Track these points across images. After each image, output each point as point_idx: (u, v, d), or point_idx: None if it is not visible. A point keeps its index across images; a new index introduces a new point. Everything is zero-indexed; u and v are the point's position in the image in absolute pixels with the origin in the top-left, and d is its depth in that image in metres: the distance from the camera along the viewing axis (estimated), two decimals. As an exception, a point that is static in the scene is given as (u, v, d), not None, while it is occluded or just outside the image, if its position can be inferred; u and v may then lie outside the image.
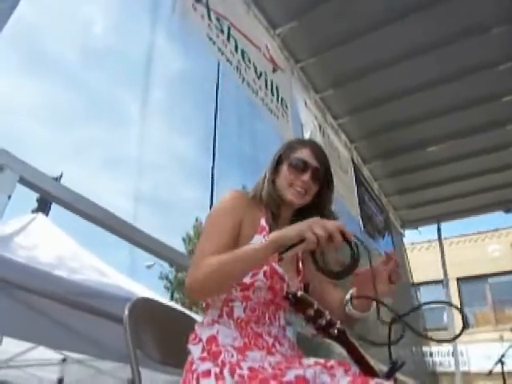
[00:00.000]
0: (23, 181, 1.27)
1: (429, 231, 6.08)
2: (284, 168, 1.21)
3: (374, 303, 1.07)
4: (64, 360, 3.92)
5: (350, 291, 1.13)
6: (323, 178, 1.20)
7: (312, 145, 1.26)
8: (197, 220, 13.70)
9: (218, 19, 2.54)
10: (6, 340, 3.40)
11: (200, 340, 1.02)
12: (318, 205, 1.22)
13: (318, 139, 3.48)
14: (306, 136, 3.35)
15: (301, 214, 1.23)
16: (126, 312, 1.08)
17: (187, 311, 2.22)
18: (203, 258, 1.00)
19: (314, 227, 0.91)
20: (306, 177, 1.17)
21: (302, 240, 0.91)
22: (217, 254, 0.99)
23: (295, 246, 0.91)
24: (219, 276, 0.97)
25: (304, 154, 1.21)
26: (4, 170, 1.21)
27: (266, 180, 1.22)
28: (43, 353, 3.58)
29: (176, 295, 12.77)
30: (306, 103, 3.51)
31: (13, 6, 1.29)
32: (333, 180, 1.24)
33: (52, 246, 2.81)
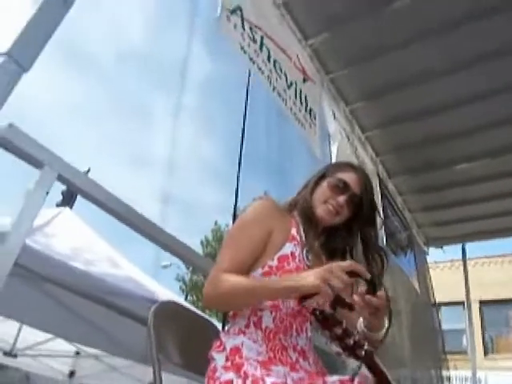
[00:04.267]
0: (61, 178, 1.31)
1: (452, 250, 5.92)
2: (324, 183, 1.21)
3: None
4: (78, 353, 3.98)
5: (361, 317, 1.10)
6: (360, 206, 1.18)
7: (360, 171, 1.25)
8: (216, 223, 13.78)
9: (251, 29, 2.56)
10: (25, 330, 3.48)
11: (224, 348, 1.02)
12: (348, 232, 1.21)
13: (347, 151, 3.45)
14: (334, 148, 3.32)
15: (329, 233, 1.23)
16: (151, 315, 1.09)
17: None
18: (222, 271, 1.03)
19: (329, 280, 0.92)
20: (342, 199, 1.16)
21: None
22: (234, 269, 1.03)
23: (312, 297, 0.94)
24: (230, 301, 1.04)
25: (348, 176, 1.20)
26: (44, 166, 1.24)
27: (306, 190, 1.23)
28: (59, 344, 3.65)
29: (190, 297, 12.85)
30: (334, 115, 3.49)
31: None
32: (375, 216, 1.22)
33: (73, 237, 2.86)
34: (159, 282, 3.29)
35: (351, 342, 0.91)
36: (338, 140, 3.44)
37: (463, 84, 3.41)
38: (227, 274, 1.02)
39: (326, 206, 1.17)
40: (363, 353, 0.92)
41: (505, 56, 3.13)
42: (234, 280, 1.01)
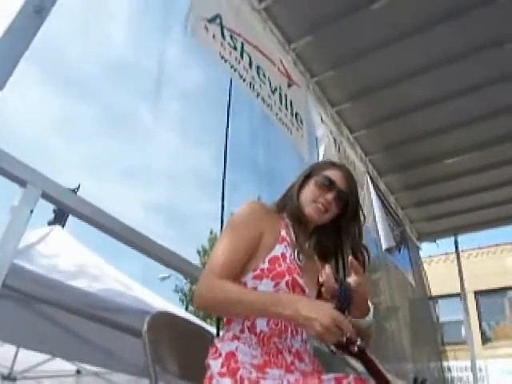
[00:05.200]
0: (45, 196, 1.29)
1: (446, 244, 5.99)
2: (311, 183, 1.22)
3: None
4: (79, 372, 3.93)
5: None
6: (347, 203, 1.20)
7: (344, 169, 1.27)
8: (211, 232, 13.71)
9: (231, 36, 2.55)
10: (22, 352, 3.43)
11: (220, 355, 1.02)
12: (337, 230, 1.22)
13: (333, 153, 3.48)
14: (321, 150, 3.34)
15: (319, 233, 1.25)
16: (145, 326, 1.08)
17: (205, 325, 2.22)
18: (214, 275, 1.03)
19: (323, 335, 0.90)
20: (330, 196, 1.18)
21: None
22: (226, 272, 1.03)
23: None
24: (222, 308, 1.04)
25: (334, 174, 1.22)
26: (27, 185, 1.24)
27: (292, 191, 1.24)
28: (59, 364, 3.60)
29: (191, 308, 12.74)
30: (321, 118, 3.51)
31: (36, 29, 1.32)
32: (359, 212, 1.24)
33: (71, 255, 2.84)
34: (158, 295, 3.27)
35: (343, 339, 0.92)
36: (325, 142, 3.46)
37: (446, 80, 3.46)
38: (220, 281, 1.02)
39: (315, 204, 1.18)
40: (356, 349, 0.93)
41: (486, 51, 3.18)
42: (226, 289, 1.01)
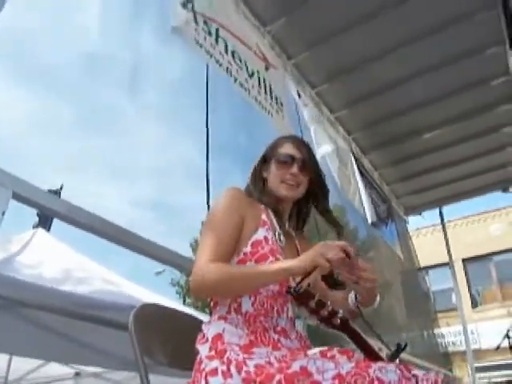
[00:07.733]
0: (17, 196, 1.25)
1: (432, 215, 6.12)
2: (272, 166, 1.23)
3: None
4: (78, 374, 3.89)
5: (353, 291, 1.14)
6: (310, 167, 1.22)
7: (293, 138, 1.29)
8: (203, 224, 13.67)
9: (205, 22, 2.51)
10: (16, 359, 3.37)
11: (207, 339, 1.01)
12: (312, 195, 1.25)
13: (322, 132, 3.48)
14: (312, 131, 3.35)
15: (297, 206, 1.28)
16: (131, 319, 1.06)
17: (194, 313, 2.20)
18: (209, 260, 1.02)
19: (325, 254, 0.96)
20: (295, 169, 1.20)
21: (314, 267, 0.95)
22: (218, 259, 1.02)
23: (309, 275, 0.95)
24: (226, 287, 1.02)
25: (287, 148, 1.23)
26: (-5, 186, 1.19)
27: (255, 181, 1.24)
28: (56, 368, 3.55)
29: (188, 300, 12.76)
30: (303, 99, 3.50)
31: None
32: (320, 170, 1.27)
33: (53, 260, 2.79)
34: (154, 290, 3.25)
35: (325, 312, 0.94)
36: (314, 123, 3.48)
37: (420, 56, 3.48)
38: (215, 263, 1.01)
39: (285, 183, 1.20)
40: (338, 321, 0.95)
41: (455, 25, 3.20)
42: (226, 267, 1.01)
